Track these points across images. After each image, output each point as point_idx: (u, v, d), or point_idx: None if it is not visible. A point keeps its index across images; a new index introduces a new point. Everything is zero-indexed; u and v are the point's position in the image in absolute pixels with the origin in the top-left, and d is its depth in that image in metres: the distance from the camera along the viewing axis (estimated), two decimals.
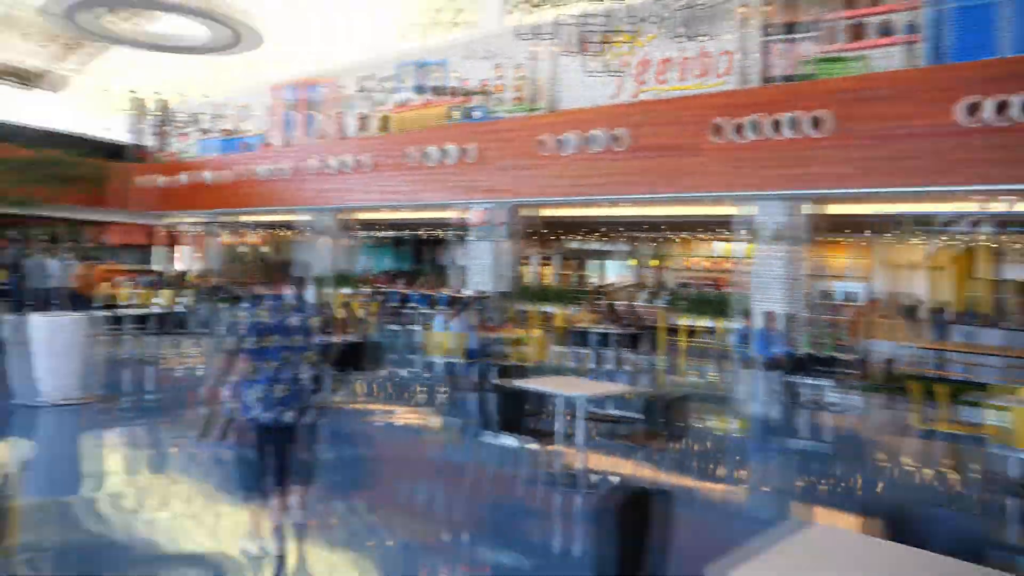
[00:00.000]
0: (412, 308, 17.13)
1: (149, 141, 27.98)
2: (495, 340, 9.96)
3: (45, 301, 9.15)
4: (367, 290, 18.30)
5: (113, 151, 25.54)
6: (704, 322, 13.86)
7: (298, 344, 4.10)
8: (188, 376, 10.42)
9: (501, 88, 17.64)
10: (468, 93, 17.75)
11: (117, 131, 26.18)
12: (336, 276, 18.40)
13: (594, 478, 6.02)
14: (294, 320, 4.12)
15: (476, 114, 17.17)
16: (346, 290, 17.78)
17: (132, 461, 6.44)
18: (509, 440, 5.74)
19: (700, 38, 12.83)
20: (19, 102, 33.15)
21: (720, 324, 13.21)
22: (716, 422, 8.79)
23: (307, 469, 4.35)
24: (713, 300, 13.93)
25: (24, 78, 33.97)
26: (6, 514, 3.05)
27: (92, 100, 31.26)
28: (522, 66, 17.35)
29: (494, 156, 15.66)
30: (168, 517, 5.04)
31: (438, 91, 18.68)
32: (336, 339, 8.30)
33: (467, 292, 15.35)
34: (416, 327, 15.49)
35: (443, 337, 9.82)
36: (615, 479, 6.04)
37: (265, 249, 25.68)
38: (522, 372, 7.12)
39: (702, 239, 21.10)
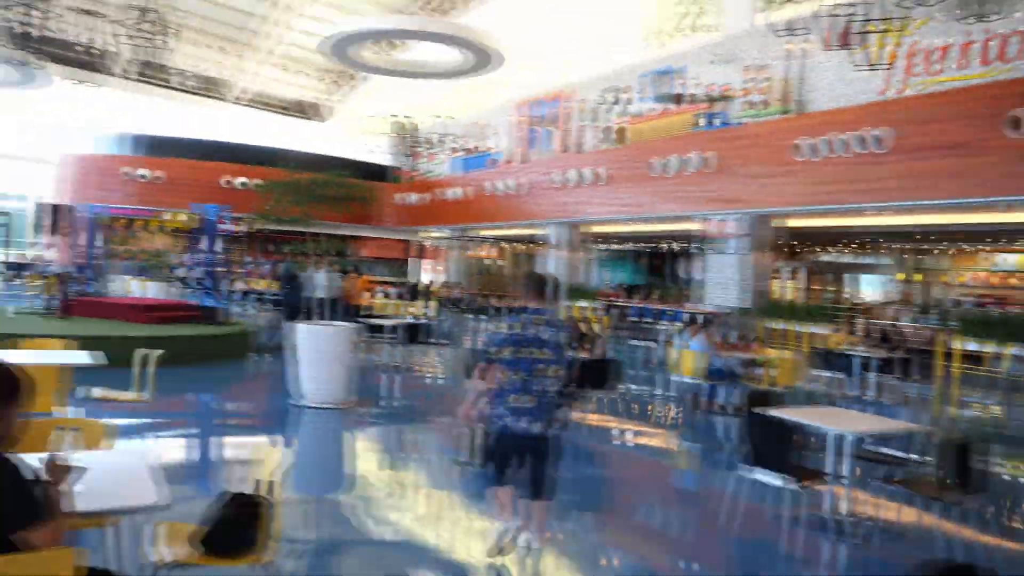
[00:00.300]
0: (649, 323, 16.68)
1: (403, 162, 30.19)
2: (743, 361, 9.29)
3: (314, 310, 9.96)
4: (600, 304, 18.17)
5: (373, 172, 27.88)
6: (987, 346, 12.03)
7: (548, 357, 4.13)
8: (434, 384, 10.87)
9: (747, 92, 16.69)
10: (710, 99, 17.02)
11: (376, 154, 28.51)
12: (572, 289, 18.47)
13: (867, 526, 5.27)
14: (546, 333, 4.15)
15: (717, 121, 16.43)
16: (583, 303, 17.76)
17: (383, 464, 6.71)
18: (763, 475, 5.18)
19: (989, 18, 11.11)
20: (294, 131, 37.43)
21: (1008, 349, 11.41)
22: (1017, 469, 7.45)
23: (549, 483, 4.32)
24: (998, 321, 12.07)
25: (301, 110, 38.38)
26: (271, 512, 3.14)
27: (354, 126, 34.38)
28: (768, 67, 16.30)
29: (737, 164, 14.83)
30: (413, 519, 5.13)
31: (677, 99, 18.13)
32: (582, 354, 8.14)
33: (705, 307, 14.64)
34: (654, 343, 15.05)
35: (684, 355, 9.34)
36: (894, 531, 5.24)
37: (503, 262, 26.57)
38: (773, 398, 6.45)
39: (983, 250, 18.50)
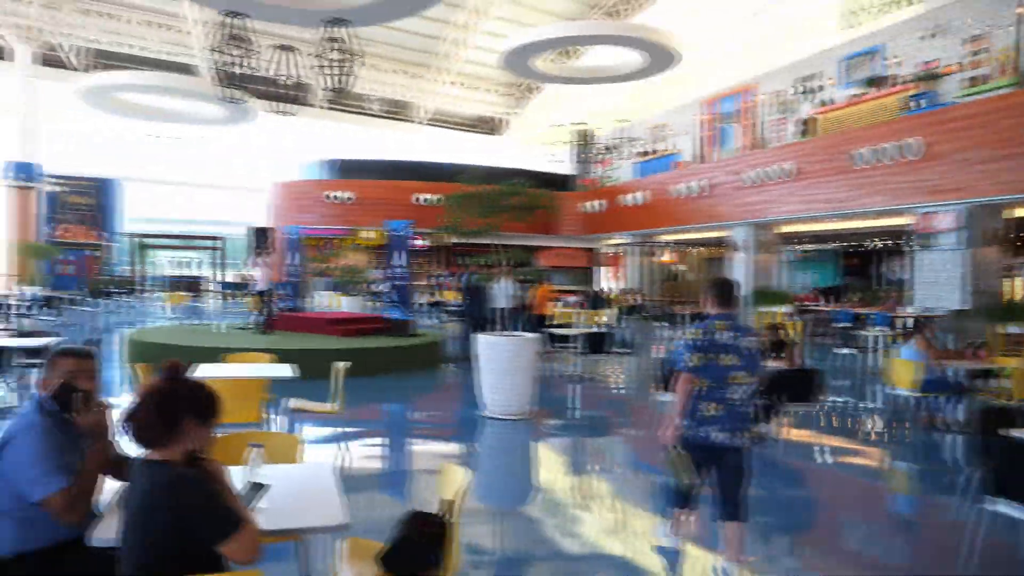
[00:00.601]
0: (851, 328, 15.37)
1: (579, 170, 30.16)
2: (970, 371, 8.19)
3: (497, 321, 9.97)
4: (794, 308, 17.01)
5: (554, 182, 28.09)
6: None
7: (737, 364, 3.99)
8: (616, 394, 10.54)
9: (961, 67, 14.95)
10: (919, 79, 15.42)
11: (557, 163, 28.67)
12: (762, 293, 17.44)
13: None
14: (733, 339, 4.01)
15: (923, 103, 14.86)
16: (774, 309, 16.69)
17: (562, 475, 6.49)
18: (1008, 507, 4.40)
19: None
20: (476, 146, 38.57)
21: None
22: None
23: (744, 502, 4.13)
24: None
25: (482, 125, 39.52)
26: (453, 533, 3.01)
27: (533, 137, 34.82)
28: (987, 36, 14.50)
29: (953, 149, 13.28)
30: (598, 532, 4.92)
31: (878, 82, 16.63)
32: (779, 364, 7.53)
33: (915, 310, 13.22)
34: (859, 350, 13.81)
35: (895, 364, 8.38)
36: None
37: (685, 268, 25.71)
38: (1015, 416, 5.54)
39: None
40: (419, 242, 28.02)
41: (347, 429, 7.59)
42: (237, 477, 2.97)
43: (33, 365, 8.58)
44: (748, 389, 4.00)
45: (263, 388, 6.11)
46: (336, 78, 14.91)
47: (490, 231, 8.71)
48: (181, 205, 36.68)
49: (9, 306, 15.19)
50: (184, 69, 28.30)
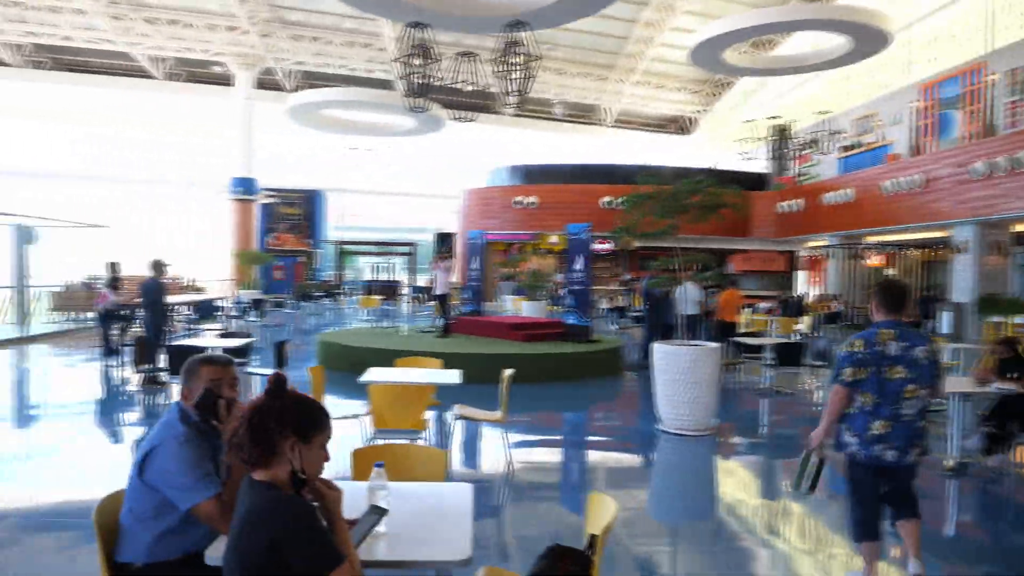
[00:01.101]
0: None
1: (774, 168, 28.49)
2: None
3: (680, 328, 9.43)
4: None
5: (748, 181, 26.78)
6: None
7: (906, 376, 3.73)
8: (808, 410, 9.63)
9: None
10: None
11: (751, 161, 27.28)
12: (987, 302, 15.39)
13: None
14: (901, 349, 3.73)
15: None
16: (1005, 319, 14.63)
17: (750, 498, 5.87)
18: None
19: None
20: (663, 147, 37.69)
21: None
22: None
23: (915, 499, 3.96)
24: None
25: (669, 125, 38.62)
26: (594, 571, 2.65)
27: (725, 135, 33.45)
28: None
29: None
30: (787, 560, 4.39)
31: None
32: (1011, 385, 6.42)
33: None
34: None
35: None
36: None
37: (892, 271, 23.37)
38: None
39: None
40: (604, 246, 27.83)
41: (512, 437, 7.37)
42: (363, 495, 2.79)
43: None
44: (921, 403, 3.76)
45: (430, 393, 6.09)
46: (517, 82, 14.94)
47: (670, 232, 8.21)
48: (380, 213, 38.94)
49: (221, 308, 16.65)
50: (382, 84, 29.96)
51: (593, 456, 7.41)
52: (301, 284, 29.66)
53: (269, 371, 8.67)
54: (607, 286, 28.51)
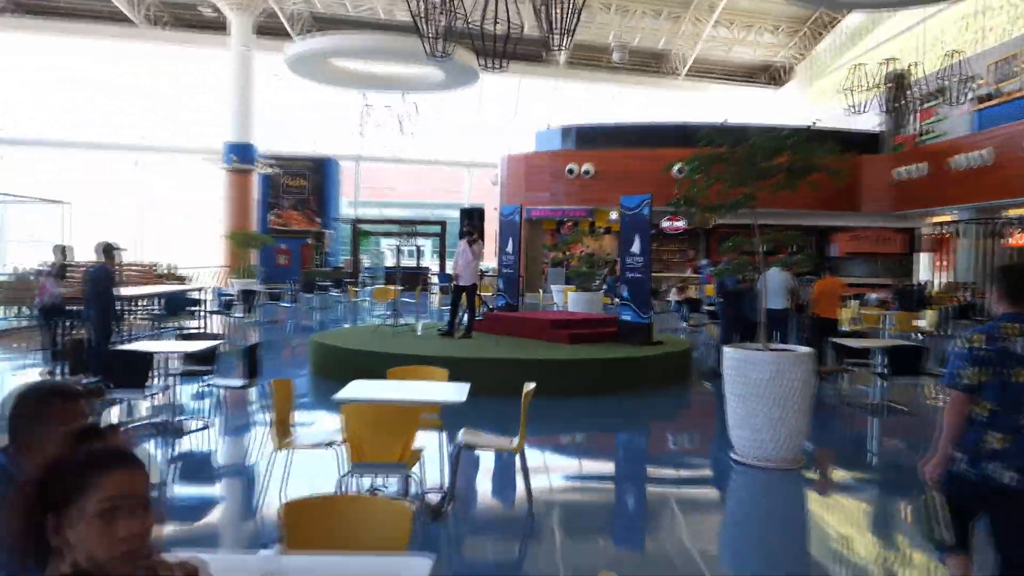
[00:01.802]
0: None
1: (889, 125, 27.46)
2: None
3: (762, 326, 8.83)
4: None
5: (856, 142, 25.86)
6: None
7: None
8: (927, 436, 8.99)
9: None
10: None
11: (852, 117, 26.25)
12: None
13: None
14: None
15: None
16: None
17: (843, 560, 5.27)
18: None
19: None
20: (750, 102, 36.75)
21: None
22: None
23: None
24: None
25: (760, 76, 37.67)
26: None
27: (826, 87, 32.39)
28: None
29: None
30: None
31: None
32: None
33: None
34: None
35: None
36: None
37: None
38: None
39: None
40: (676, 223, 27.19)
41: (537, 471, 6.91)
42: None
43: (193, 373, 8.92)
44: None
45: (421, 415, 5.74)
46: (561, 19, 14.38)
47: (745, 204, 7.67)
48: (404, 186, 38.83)
49: (200, 301, 16.50)
50: (405, 29, 29.62)
51: (639, 497, 6.95)
52: (308, 271, 29.61)
53: (238, 382, 8.53)
54: (680, 273, 27.91)
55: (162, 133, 34.45)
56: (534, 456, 7.36)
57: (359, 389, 6.09)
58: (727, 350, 7.62)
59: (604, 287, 21.50)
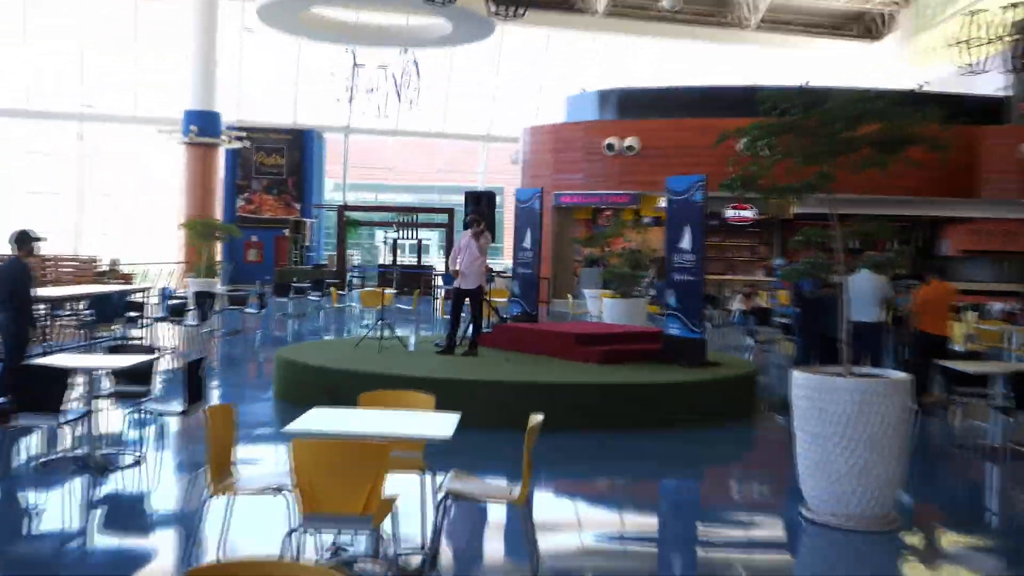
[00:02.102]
0: None
1: (1017, 86, 27.17)
2: None
3: (845, 343, 8.62)
4: None
5: (975, 110, 25.55)
6: None
7: None
8: None
9: None
10: None
11: (968, 77, 25.90)
12: None
13: None
14: None
15: None
16: None
17: None
18: None
19: None
20: (833, 60, 36.47)
21: None
22: None
23: None
24: None
25: (850, 28, 37.42)
26: None
27: (931, 41, 32.10)
28: None
29: None
30: None
31: None
32: None
33: None
34: None
35: None
36: None
37: None
38: None
39: None
40: (743, 213, 26.95)
41: (546, 529, 6.83)
42: None
43: (126, 395, 8.86)
44: None
45: (413, 453, 5.97)
46: None
47: (820, 187, 7.59)
48: (403, 164, 38.78)
49: (145, 307, 16.41)
50: None
51: (682, 567, 6.88)
52: (283, 269, 29.65)
53: (176, 407, 8.43)
54: (748, 276, 27.65)
55: (109, 99, 34.62)
56: (544, 509, 7.34)
57: (317, 420, 5.99)
58: (796, 375, 7.49)
59: (651, 292, 21.30)
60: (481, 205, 15.66)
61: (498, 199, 24.51)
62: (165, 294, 18.09)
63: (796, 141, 7.67)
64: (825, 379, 7.28)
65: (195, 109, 29.75)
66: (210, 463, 5.78)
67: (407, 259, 33.67)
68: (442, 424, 5.91)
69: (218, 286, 24.31)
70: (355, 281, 31.33)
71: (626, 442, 9.94)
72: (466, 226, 13.19)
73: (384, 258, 34.13)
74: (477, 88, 37.40)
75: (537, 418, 5.94)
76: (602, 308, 19.63)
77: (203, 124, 29.65)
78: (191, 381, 8.20)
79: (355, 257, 34.87)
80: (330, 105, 34.14)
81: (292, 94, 35.81)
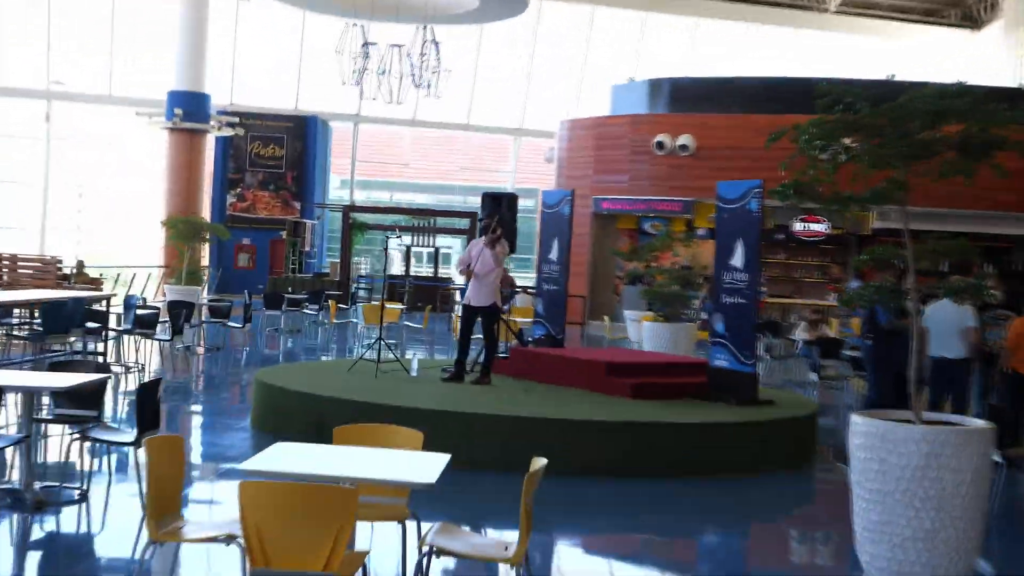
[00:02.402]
0: None
1: None
2: None
3: (918, 383, 8.54)
4: None
5: None
6: None
7: None
8: None
9: None
10: None
11: None
12: None
13: None
14: None
15: None
16: None
17: None
18: None
19: None
20: (923, 51, 36.28)
21: None
22: None
23: None
24: None
25: (945, 14, 37.21)
26: None
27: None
28: None
29: None
30: None
31: None
32: None
33: None
34: None
35: None
36: None
37: None
38: None
39: None
40: (815, 226, 26.75)
41: None
42: None
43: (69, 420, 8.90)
44: None
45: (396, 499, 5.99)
46: None
47: (891, 196, 7.51)
48: (421, 161, 38.80)
49: (107, 317, 16.37)
50: None
51: None
52: (279, 278, 29.75)
53: (126, 437, 8.36)
54: (819, 299, 27.39)
55: (81, 76, 34.91)
56: (551, 570, 7.26)
57: (279, 457, 5.92)
58: (855, 420, 7.42)
59: (703, 315, 21.14)
60: (502, 208, 15.46)
61: (525, 203, 24.42)
62: (130, 303, 17.98)
63: (864, 142, 7.64)
64: (889, 426, 7.20)
65: (181, 90, 29.96)
66: (148, 505, 5.71)
67: (424, 270, 33.72)
68: (427, 466, 5.78)
69: (204, 295, 24.37)
70: (361, 293, 31.34)
71: (657, 492, 9.91)
72: (482, 232, 13.11)
73: (397, 268, 34.19)
74: (508, 74, 37.45)
75: (540, 462, 5.85)
76: (642, 333, 19.50)
77: (189, 107, 29.85)
78: (143, 406, 8.14)
79: (362, 266, 34.91)
80: (337, 90, 34.27)
81: (294, 76, 35.96)
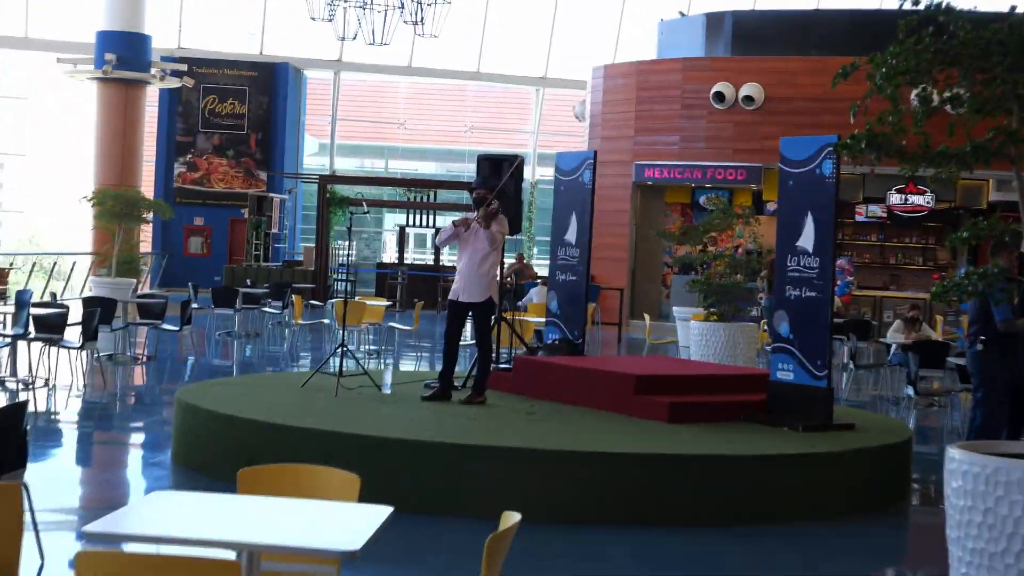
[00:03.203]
0: None
1: None
2: None
3: None
4: None
5: None
6: None
7: None
8: None
9: None
10: None
11: None
12: None
13: None
14: None
15: None
16: None
17: None
18: None
19: None
20: None
21: None
22: None
23: None
24: None
25: None
26: None
27: None
28: None
29: None
30: None
31: None
32: None
33: None
34: None
35: None
36: None
37: None
38: None
39: None
40: (916, 198, 26.41)
41: None
42: None
43: None
44: None
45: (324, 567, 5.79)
46: None
47: (1000, 154, 7.23)
48: (418, 120, 38.65)
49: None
50: None
51: None
52: (238, 267, 29.58)
53: None
54: (922, 290, 27.08)
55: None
56: None
57: (150, 513, 5.53)
58: (952, 454, 7.14)
59: (764, 310, 20.95)
60: (502, 174, 15.02)
61: (547, 172, 23.92)
62: (23, 299, 17.73)
63: (964, 78, 7.21)
64: (996, 463, 6.95)
65: (113, 30, 29.74)
66: None
67: (419, 256, 33.54)
68: (355, 524, 5.39)
69: (143, 288, 24.15)
70: (341, 286, 31.17)
71: (698, 546, 9.76)
72: (483, 204, 12.75)
73: (389, 254, 34.10)
74: (529, 8, 37.24)
75: (512, 519, 5.41)
76: (703, 334, 19.49)
77: (124, 52, 29.77)
78: (4, 438, 7.80)
79: (346, 251, 34.78)
80: (313, 29, 34.08)
81: (259, 11, 35.90)
